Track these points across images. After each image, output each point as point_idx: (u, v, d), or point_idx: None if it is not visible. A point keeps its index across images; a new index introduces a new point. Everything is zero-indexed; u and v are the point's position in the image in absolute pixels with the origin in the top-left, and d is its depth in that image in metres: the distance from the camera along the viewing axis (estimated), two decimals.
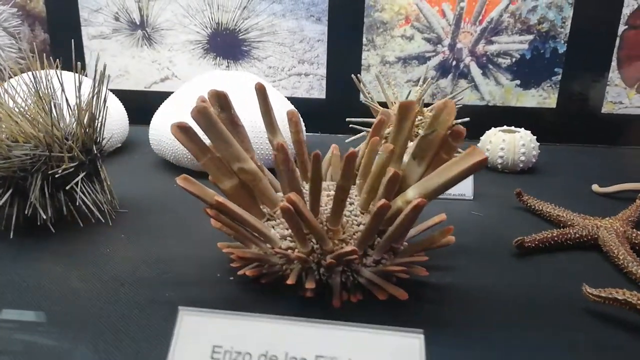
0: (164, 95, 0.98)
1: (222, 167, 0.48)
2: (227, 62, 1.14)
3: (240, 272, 0.49)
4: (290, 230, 0.48)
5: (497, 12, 1.07)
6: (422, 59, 1.11)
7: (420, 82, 0.97)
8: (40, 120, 0.60)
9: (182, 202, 0.73)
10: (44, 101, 0.61)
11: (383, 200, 0.42)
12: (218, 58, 1.14)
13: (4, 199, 0.56)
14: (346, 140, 0.96)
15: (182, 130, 0.47)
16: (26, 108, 0.61)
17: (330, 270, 0.47)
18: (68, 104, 0.63)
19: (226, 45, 1.13)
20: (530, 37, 1.08)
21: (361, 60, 1.12)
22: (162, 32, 1.13)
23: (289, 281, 0.46)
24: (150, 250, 0.58)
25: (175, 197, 0.75)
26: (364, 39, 1.11)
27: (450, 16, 1.08)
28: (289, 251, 0.47)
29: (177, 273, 0.53)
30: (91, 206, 0.60)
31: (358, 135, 0.94)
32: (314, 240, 0.47)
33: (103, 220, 0.61)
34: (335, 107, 1.15)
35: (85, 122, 0.61)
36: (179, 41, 1.13)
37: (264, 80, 1.00)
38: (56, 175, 0.56)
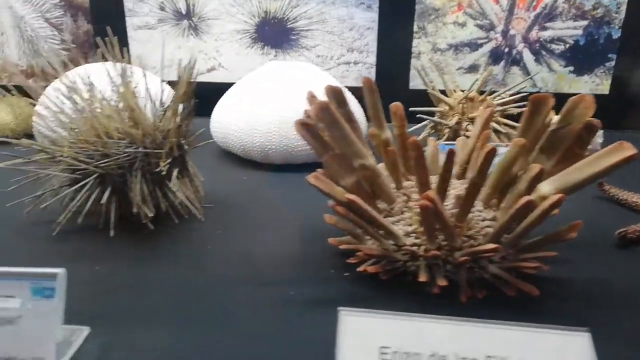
0: (211, 86, 0.96)
1: (343, 163, 0.48)
2: (275, 52, 1.13)
3: (361, 269, 0.49)
4: (412, 227, 0.48)
5: None
6: (474, 45, 1.10)
7: (481, 70, 0.96)
8: (126, 115, 0.59)
9: (259, 196, 0.72)
10: (131, 96, 0.60)
11: (527, 198, 0.41)
12: (266, 47, 1.13)
13: (105, 197, 0.55)
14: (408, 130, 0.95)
15: (305, 128, 0.46)
16: (118, 104, 0.60)
17: (459, 267, 0.46)
18: (150, 98, 0.62)
19: (274, 34, 1.12)
20: (585, 22, 1.07)
21: (411, 47, 1.11)
22: (208, 22, 1.11)
23: (421, 278, 0.45)
24: (250, 247, 0.57)
25: (251, 191, 0.75)
26: (415, 26, 1.09)
27: (504, 2, 1.06)
28: (415, 248, 0.47)
29: (289, 270, 0.52)
30: (187, 202, 0.59)
31: (420, 125, 0.93)
32: (440, 236, 0.46)
33: (199, 216, 0.60)
34: (384, 96, 1.13)
35: (179, 117, 0.60)
36: (226, 31, 1.12)
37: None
38: (162, 172, 0.55)
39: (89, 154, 0.55)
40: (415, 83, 1.13)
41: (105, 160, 0.54)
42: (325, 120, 0.46)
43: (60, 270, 0.38)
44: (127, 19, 1.12)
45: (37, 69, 1.17)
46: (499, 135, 0.89)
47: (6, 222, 0.62)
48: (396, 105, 0.55)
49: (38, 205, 0.60)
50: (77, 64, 0.94)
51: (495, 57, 1.10)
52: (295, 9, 1.09)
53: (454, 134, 0.90)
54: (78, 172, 0.56)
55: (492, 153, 0.42)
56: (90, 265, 0.52)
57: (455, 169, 0.54)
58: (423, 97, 1.04)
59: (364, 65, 1.12)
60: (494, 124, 0.88)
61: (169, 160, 0.58)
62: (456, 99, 0.91)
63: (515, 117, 0.91)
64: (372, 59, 1.12)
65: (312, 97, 0.53)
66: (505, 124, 0.90)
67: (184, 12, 1.11)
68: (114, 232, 0.57)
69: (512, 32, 1.08)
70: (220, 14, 1.10)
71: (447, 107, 0.91)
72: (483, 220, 0.47)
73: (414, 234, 0.47)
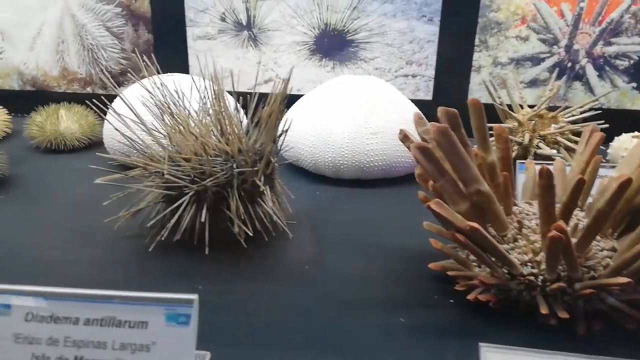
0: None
1: (457, 189, 0.47)
2: (333, 64, 1.13)
3: (471, 297, 0.48)
4: (528, 256, 0.46)
5: (617, 12, 1.04)
6: (536, 60, 1.08)
7: (550, 87, 0.94)
8: (220, 131, 0.59)
9: (338, 213, 0.72)
10: (226, 112, 0.60)
11: None
12: (324, 59, 1.12)
13: (204, 215, 0.55)
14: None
15: (421, 151, 0.46)
16: (211, 119, 0.60)
17: (577, 298, 0.45)
18: (238, 114, 0.62)
19: (333, 46, 1.11)
20: None
21: (472, 61, 1.10)
22: (268, 33, 1.11)
23: (543, 311, 0.44)
24: (345, 267, 0.57)
25: (328, 207, 0.74)
26: (477, 40, 1.08)
27: (569, 16, 1.05)
28: (532, 278, 0.45)
29: (393, 293, 0.52)
30: (279, 220, 0.59)
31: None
32: (560, 267, 0.45)
33: (289, 235, 0.60)
34: None
35: (272, 134, 0.59)
36: (285, 42, 1.12)
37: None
38: (262, 191, 0.55)
39: (186, 171, 0.55)
40: (474, 97, 1.11)
41: (211, 179, 0.54)
42: (443, 144, 0.46)
43: (194, 297, 0.37)
44: (187, 29, 1.13)
45: (96, 77, 1.19)
46: (570, 153, 0.87)
47: (96, 237, 0.62)
48: (500, 127, 0.54)
49: (128, 221, 0.61)
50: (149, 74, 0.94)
51: (558, 72, 1.08)
52: (356, 21, 1.09)
53: (524, 151, 0.89)
54: (175, 189, 0.56)
55: (627, 184, 0.40)
56: (191, 283, 0.52)
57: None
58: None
59: (422, 78, 1.11)
60: (565, 142, 0.86)
61: (263, 178, 0.58)
62: (524, 115, 0.90)
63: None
64: (431, 72, 1.11)
65: (419, 119, 0.52)
66: (577, 142, 0.88)
67: (244, 23, 1.11)
68: (208, 249, 0.57)
69: (575, 46, 1.07)
70: (280, 26, 1.11)
71: (516, 124, 0.90)
72: (602, 250, 0.46)
73: (530, 264, 0.46)
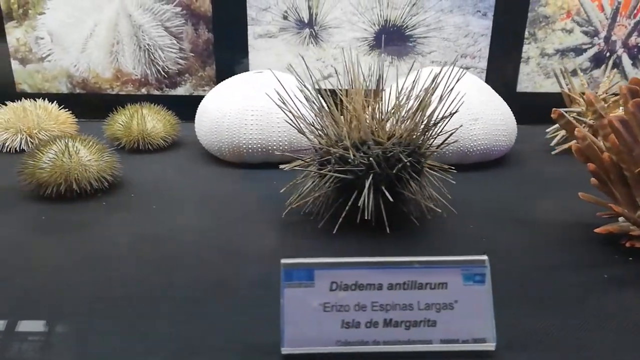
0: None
1: None
2: (391, 58, 1.17)
3: None
4: None
5: None
6: (578, 50, 1.17)
7: (607, 73, 1.03)
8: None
9: (461, 195, 0.76)
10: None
11: None
12: (382, 55, 1.17)
13: (388, 196, 0.58)
14: (547, 129, 1.01)
15: (622, 123, 0.51)
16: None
17: None
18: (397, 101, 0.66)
19: (392, 41, 1.16)
20: None
21: (521, 53, 1.17)
22: (329, 30, 1.15)
23: None
24: (514, 239, 0.61)
25: (448, 190, 0.78)
26: (526, 33, 1.16)
27: (608, 10, 1.15)
28: None
29: (575, 256, 0.57)
30: (443, 200, 0.63)
31: (554, 127, 1.00)
32: None
33: (445, 215, 0.64)
34: None
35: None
36: (345, 39, 1.15)
37: None
38: (434, 172, 0.59)
39: (365, 156, 0.58)
40: (522, 86, 1.19)
41: (401, 164, 0.57)
42: (638, 116, 0.51)
43: (486, 257, 0.41)
44: (249, 27, 1.14)
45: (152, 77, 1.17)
46: None
47: (270, 226, 0.64)
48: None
49: (299, 204, 0.63)
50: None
51: (597, 61, 1.18)
52: (414, 17, 1.14)
53: (593, 134, 0.97)
54: (352, 173, 0.59)
55: None
56: None
57: None
58: (531, 100, 1.11)
59: (475, 70, 1.18)
60: None
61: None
62: (580, 102, 0.98)
63: None
64: (484, 64, 1.18)
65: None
66: None
67: (306, 21, 1.14)
68: (379, 230, 0.60)
69: (613, 37, 1.17)
70: (341, 23, 1.14)
71: (583, 108, 0.98)
72: None
73: None
